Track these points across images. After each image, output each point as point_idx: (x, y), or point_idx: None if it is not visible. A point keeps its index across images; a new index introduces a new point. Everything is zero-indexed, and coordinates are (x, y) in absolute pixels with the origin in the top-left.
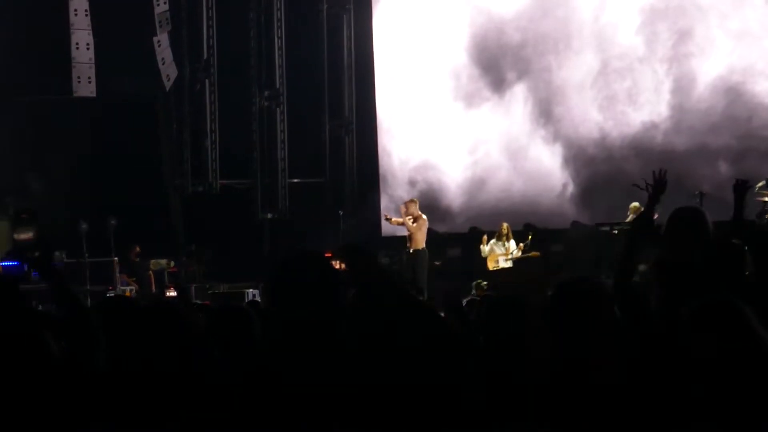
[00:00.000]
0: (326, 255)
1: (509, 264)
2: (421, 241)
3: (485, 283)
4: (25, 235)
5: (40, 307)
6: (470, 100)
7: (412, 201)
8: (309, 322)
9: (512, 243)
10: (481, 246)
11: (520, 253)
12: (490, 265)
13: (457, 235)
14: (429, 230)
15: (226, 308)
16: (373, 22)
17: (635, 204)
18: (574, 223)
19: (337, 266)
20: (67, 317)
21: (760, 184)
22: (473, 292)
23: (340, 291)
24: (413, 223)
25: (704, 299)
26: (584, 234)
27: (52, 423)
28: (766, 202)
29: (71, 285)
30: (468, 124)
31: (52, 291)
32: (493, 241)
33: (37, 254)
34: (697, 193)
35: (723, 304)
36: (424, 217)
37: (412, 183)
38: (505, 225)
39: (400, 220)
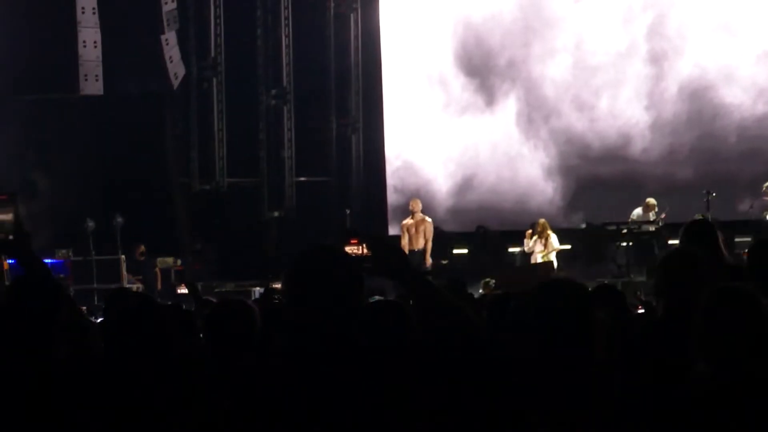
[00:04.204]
0: (352, 240)
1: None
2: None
3: (494, 281)
4: (3, 216)
5: None
6: (467, 103)
7: (413, 199)
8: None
9: (553, 239)
10: (525, 240)
11: (555, 252)
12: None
13: (465, 234)
14: (435, 228)
15: (228, 302)
16: (380, 20)
17: (651, 200)
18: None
19: (360, 252)
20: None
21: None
22: (481, 291)
23: (361, 288)
24: (416, 229)
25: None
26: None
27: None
28: None
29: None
30: (458, 128)
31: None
32: (535, 237)
33: (11, 237)
34: (704, 192)
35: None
36: (429, 219)
37: (397, 184)
38: (541, 221)
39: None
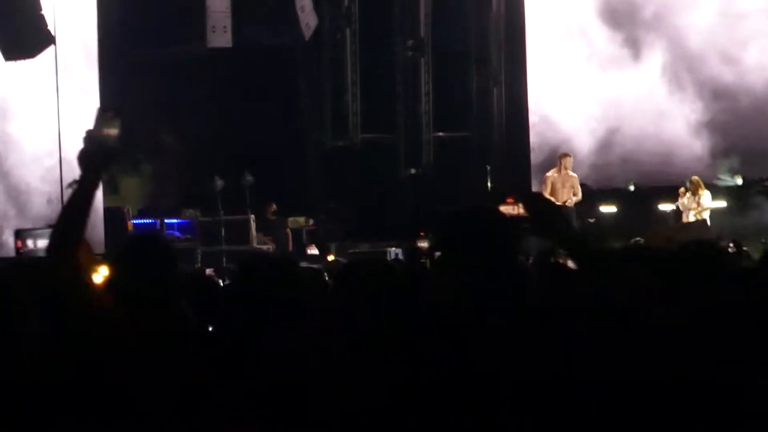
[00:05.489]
0: (508, 200)
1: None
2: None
3: (643, 241)
4: (111, 130)
5: None
6: (610, 56)
7: (567, 155)
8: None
9: (706, 196)
10: (680, 198)
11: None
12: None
13: (612, 191)
14: (582, 186)
15: (362, 261)
16: None
17: (696, 177)
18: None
19: (515, 211)
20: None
21: None
22: None
23: (519, 248)
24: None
25: None
26: None
27: None
28: None
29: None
30: (599, 82)
31: (73, 200)
32: (688, 195)
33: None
34: None
35: None
36: (575, 175)
37: (535, 141)
38: (694, 178)
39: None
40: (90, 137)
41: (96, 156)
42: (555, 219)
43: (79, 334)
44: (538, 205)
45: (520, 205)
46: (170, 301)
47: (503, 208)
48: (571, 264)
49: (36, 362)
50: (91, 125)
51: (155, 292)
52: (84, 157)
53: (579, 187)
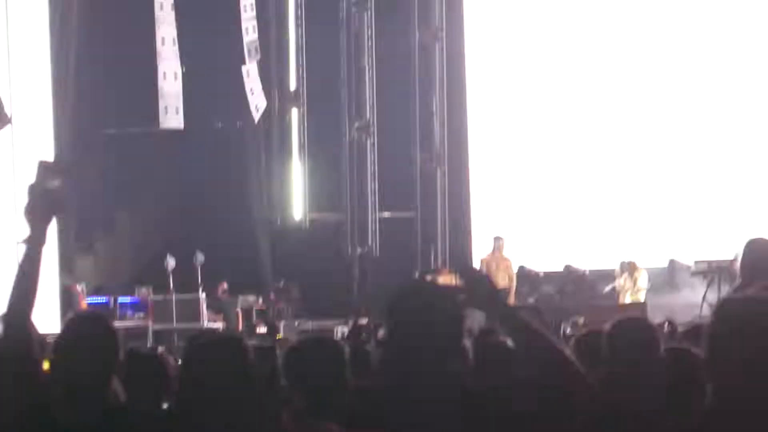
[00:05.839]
0: (443, 272)
1: (633, 299)
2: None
3: (582, 319)
4: (53, 182)
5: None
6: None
7: (500, 238)
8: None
9: (643, 276)
10: (617, 279)
11: (644, 291)
12: (620, 300)
13: (551, 273)
14: (521, 268)
15: (310, 340)
16: (466, 50)
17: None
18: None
19: (451, 281)
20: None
21: None
22: (569, 331)
23: (463, 325)
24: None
25: None
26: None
27: None
28: None
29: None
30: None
31: (26, 257)
32: (625, 275)
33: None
34: None
35: None
36: (510, 259)
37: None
38: (630, 260)
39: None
40: (33, 190)
41: (40, 209)
42: (491, 292)
43: (22, 417)
44: (474, 277)
45: (457, 275)
46: (105, 380)
47: (440, 279)
48: (510, 343)
49: None
50: (32, 179)
51: (92, 372)
52: (29, 211)
53: (513, 270)
